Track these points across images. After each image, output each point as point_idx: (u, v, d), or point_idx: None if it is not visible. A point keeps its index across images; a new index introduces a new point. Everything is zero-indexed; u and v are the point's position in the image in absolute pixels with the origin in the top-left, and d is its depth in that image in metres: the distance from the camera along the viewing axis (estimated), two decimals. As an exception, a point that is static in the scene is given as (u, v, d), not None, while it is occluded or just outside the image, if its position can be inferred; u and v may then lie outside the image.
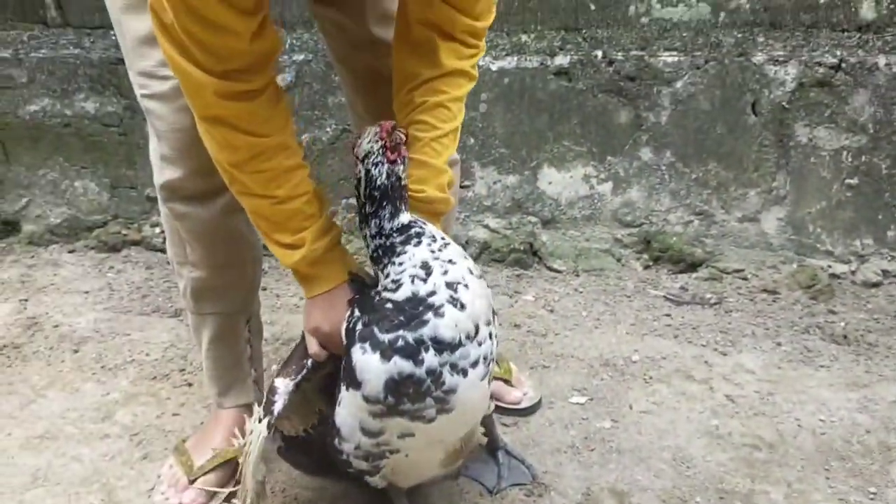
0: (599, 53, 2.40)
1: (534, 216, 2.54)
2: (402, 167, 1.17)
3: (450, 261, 1.16)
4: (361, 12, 1.44)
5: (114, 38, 2.55)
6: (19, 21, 2.65)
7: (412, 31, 1.27)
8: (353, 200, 2.59)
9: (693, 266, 2.47)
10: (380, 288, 1.18)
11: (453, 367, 1.13)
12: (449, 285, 1.14)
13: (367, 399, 1.15)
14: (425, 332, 1.12)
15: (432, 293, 1.13)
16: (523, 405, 1.78)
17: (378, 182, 1.16)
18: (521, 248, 2.53)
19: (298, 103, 2.52)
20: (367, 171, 1.16)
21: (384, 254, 1.18)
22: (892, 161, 2.33)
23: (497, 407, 1.74)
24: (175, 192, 1.41)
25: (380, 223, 1.18)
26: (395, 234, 1.18)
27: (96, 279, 2.51)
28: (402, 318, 1.13)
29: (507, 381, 1.79)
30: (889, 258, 2.39)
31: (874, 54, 2.29)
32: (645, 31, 2.40)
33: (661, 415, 1.79)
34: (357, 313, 1.19)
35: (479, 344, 1.16)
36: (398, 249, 1.17)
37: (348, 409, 1.20)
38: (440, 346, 1.12)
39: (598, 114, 2.44)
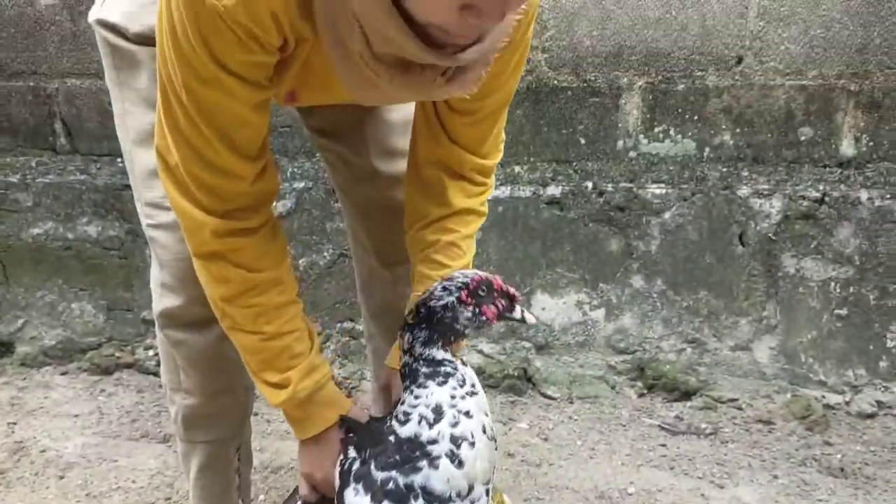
0: (590, 184, 2.48)
1: (527, 342, 2.55)
2: (467, 314, 1.15)
3: (466, 413, 1.12)
4: (364, 146, 1.48)
5: (120, 164, 2.64)
6: (30, 148, 2.75)
7: (422, 171, 1.31)
8: (347, 324, 2.62)
9: (687, 394, 2.46)
10: (395, 412, 1.17)
11: None
12: (453, 439, 1.10)
13: None
14: (416, 479, 1.09)
15: (433, 441, 1.10)
16: None
17: (434, 303, 1.15)
18: (515, 373, 2.53)
19: (297, 228, 2.57)
20: (434, 290, 1.16)
21: (408, 375, 1.16)
22: (880, 292, 2.37)
23: None
24: (172, 320, 1.41)
25: (412, 340, 1.16)
26: (422, 363, 1.16)
27: (87, 402, 2.49)
28: (398, 457, 1.11)
29: None
30: (882, 389, 2.38)
31: (856, 189, 2.37)
32: (633, 165, 2.49)
33: (658, 551, 1.75)
34: (352, 454, 1.17)
35: (472, 502, 1.13)
36: (420, 381, 1.15)
37: None
38: (429, 497, 1.09)
39: (589, 242, 2.49)
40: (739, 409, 2.40)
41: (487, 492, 1.15)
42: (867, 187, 2.37)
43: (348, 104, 1.32)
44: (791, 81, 2.38)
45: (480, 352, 2.55)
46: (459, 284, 1.14)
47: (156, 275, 1.42)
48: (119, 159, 2.66)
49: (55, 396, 2.53)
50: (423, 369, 1.15)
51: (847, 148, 2.40)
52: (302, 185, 2.57)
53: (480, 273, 1.16)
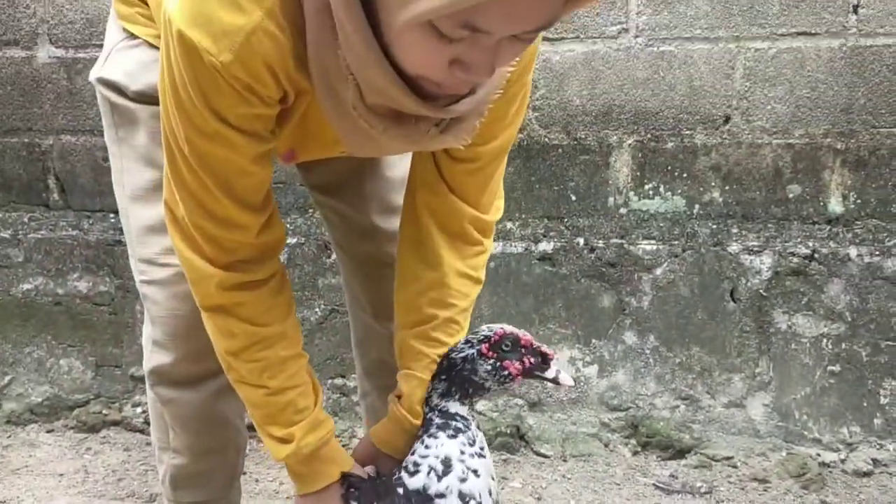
0: (581, 241, 2.49)
1: (520, 398, 2.53)
2: (486, 367, 1.15)
3: (474, 471, 1.12)
4: (364, 203, 1.48)
5: (112, 220, 2.65)
6: (23, 203, 2.75)
7: (416, 223, 1.27)
8: (338, 381, 2.60)
9: (682, 452, 2.43)
10: (405, 462, 1.17)
11: None
12: (462, 496, 1.10)
13: None
14: None
15: (441, 496, 1.10)
16: None
17: (454, 355, 1.16)
18: (508, 431, 2.50)
19: (289, 285, 2.57)
20: (459, 344, 1.17)
21: (423, 425, 1.17)
22: (872, 349, 2.37)
23: None
24: (163, 377, 1.40)
25: (431, 390, 1.17)
26: (437, 414, 1.16)
27: (72, 461, 2.44)
28: (404, 502, 1.11)
29: None
30: (878, 446, 2.37)
31: (845, 245, 2.39)
32: (623, 221, 2.51)
33: None
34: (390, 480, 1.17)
35: None
36: (432, 431, 1.15)
37: None
38: None
39: (581, 298, 2.49)
40: (734, 467, 2.38)
41: None
42: (856, 244, 2.39)
43: (347, 160, 1.32)
44: (778, 140, 2.42)
45: (473, 409, 2.52)
46: (482, 337, 1.16)
47: (147, 331, 1.41)
48: (112, 215, 2.67)
49: (40, 455, 2.48)
50: (437, 420, 1.16)
51: (835, 205, 2.43)
52: (294, 240, 2.57)
53: (508, 327, 1.17)
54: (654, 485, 2.30)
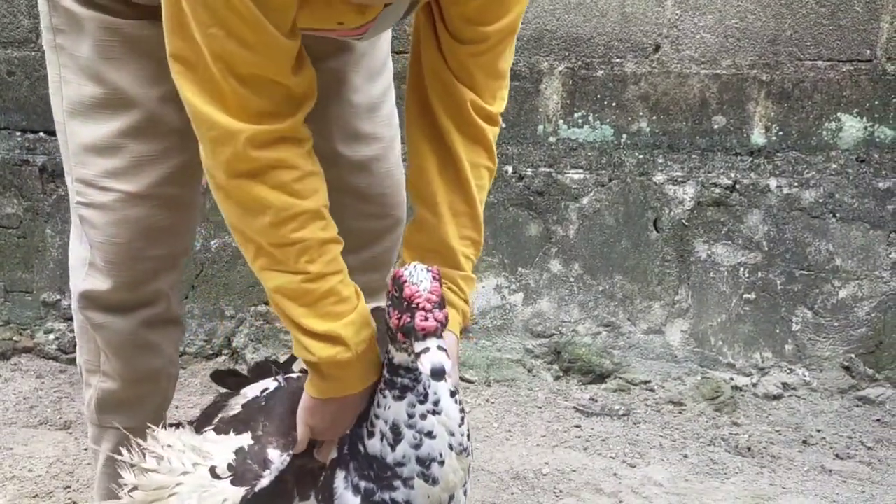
0: (510, 169, 2.48)
1: (446, 326, 2.53)
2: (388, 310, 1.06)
3: (428, 433, 1.05)
4: (326, 127, 1.37)
5: (19, 138, 2.51)
6: (-80, 119, 2.58)
7: (428, 106, 1.20)
8: (262, 308, 2.55)
9: (602, 377, 2.49)
10: (368, 415, 1.10)
11: None
12: (420, 461, 1.05)
13: None
14: (399, 496, 1.06)
15: (400, 464, 1.05)
16: None
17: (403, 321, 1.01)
18: (433, 358, 2.51)
19: (210, 208, 2.49)
20: (414, 309, 0.99)
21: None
22: (787, 277, 2.45)
23: None
24: (96, 302, 1.35)
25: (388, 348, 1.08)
26: (386, 364, 1.08)
27: (-19, 388, 2.36)
28: (371, 473, 1.07)
29: None
30: (788, 371, 2.47)
31: (766, 177, 2.44)
32: (552, 150, 2.50)
33: (570, 530, 1.76)
34: (355, 429, 1.11)
35: None
36: (381, 387, 1.08)
37: None
38: None
39: (508, 226, 2.49)
40: (651, 390, 2.45)
41: (466, 492, 1.13)
42: (776, 175, 2.44)
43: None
44: (706, 70, 2.43)
45: (398, 336, 2.52)
46: (426, 293, 0.99)
47: (81, 254, 1.35)
48: (18, 133, 2.53)
49: (-53, 383, 2.39)
50: (385, 374, 1.09)
51: (758, 137, 2.47)
52: (215, 163, 2.49)
53: (410, 270, 1.01)
54: (574, 408, 2.36)
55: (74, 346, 2.45)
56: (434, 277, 0.99)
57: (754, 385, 2.46)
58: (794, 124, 2.46)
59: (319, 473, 1.14)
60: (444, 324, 0.96)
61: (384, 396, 1.07)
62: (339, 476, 1.09)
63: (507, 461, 2.04)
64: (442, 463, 1.05)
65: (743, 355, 2.48)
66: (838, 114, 2.45)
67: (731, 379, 2.46)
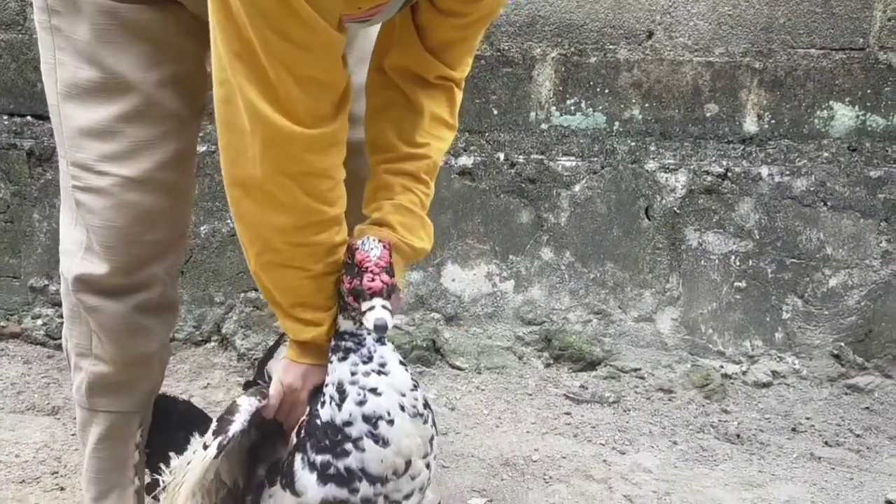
0: (502, 156, 2.47)
1: (437, 312, 2.53)
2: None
3: (372, 390, 1.07)
4: None
5: (6, 122, 2.49)
6: None
7: (388, 82, 1.27)
8: (252, 294, 2.54)
9: (592, 364, 2.49)
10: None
11: (387, 497, 1.09)
12: (366, 418, 1.07)
13: None
14: (352, 463, 1.07)
15: (348, 423, 1.07)
16: None
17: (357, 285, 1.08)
18: (424, 344, 2.51)
19: (199, 194, 2.47)
20: (363, 273, 1.07)
21: None
22: (777, 266, 2.45)
23: None
24: (90, 286, 1.34)
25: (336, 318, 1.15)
26: (334, 335, 1.13)
27: (-32, 374, 2.34)
28: (327, 441, 1.08)
29: None
30: (777, 359, 2.47)
31: (757, 165, 2.44)
32: (544, 137, 2.49)
33: (560, 516, 1.76)
34: (312, 409, 1.14)
35: (413, 478, 1.10)
36: (329, 356, 1.13)
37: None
38: (370, 478, 1.07)
39: (500, 213, 2.49)
40: (642, 378, 2.45)
41: (428, 465, 1.13)
42: (768, 164, 2.44)
43: None
44: (699, 58, 2.42)
45: (389, 323, 2.52)
46: (375, 262, 1.08)
47: (76, 237, 1.34)
48: (6, 117, 2.51)
49: (-67, 368, 2.37)
50: (332, 342, 1.13)
51: (750, 125, 2.46)
52: (204, 148, 2.46)
53: (361, 242, 1.08)
54: (564, 395, 2.36)
55: (62, 331, 2.46)
56: (385, 247, 1.07)
57: (744, 373, 2.46)
58: (787, 112, 2.45)
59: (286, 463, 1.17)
60: (389, 287, 1.03)
61: (331, 362, 1.12)
62: (298, 458, 1.12)
63: (497, 448, 2.04)
64: (391, 422, 1.07)
65: (733, 343, 2.48)
66: (830, 102, 2.45)
67: (721, 367, 2.47)
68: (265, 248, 1.12)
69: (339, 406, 1.07)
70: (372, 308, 1.03)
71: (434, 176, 1.30)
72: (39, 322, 2.53)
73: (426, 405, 1.13)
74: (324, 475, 1.08)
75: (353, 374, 1.08)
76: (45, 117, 2.44)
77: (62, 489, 1.79)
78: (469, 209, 2.49)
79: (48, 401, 2.20)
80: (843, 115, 2.45)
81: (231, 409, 1.17)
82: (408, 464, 1.09)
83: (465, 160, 2.47)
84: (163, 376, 1.55)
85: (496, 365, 2.50)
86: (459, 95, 1.31)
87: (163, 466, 1.28)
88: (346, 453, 1.07)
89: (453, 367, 2.50)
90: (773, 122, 2.46)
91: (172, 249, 1.40)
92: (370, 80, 1.31)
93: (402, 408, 1.08)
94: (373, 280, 1.03)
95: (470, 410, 2.25)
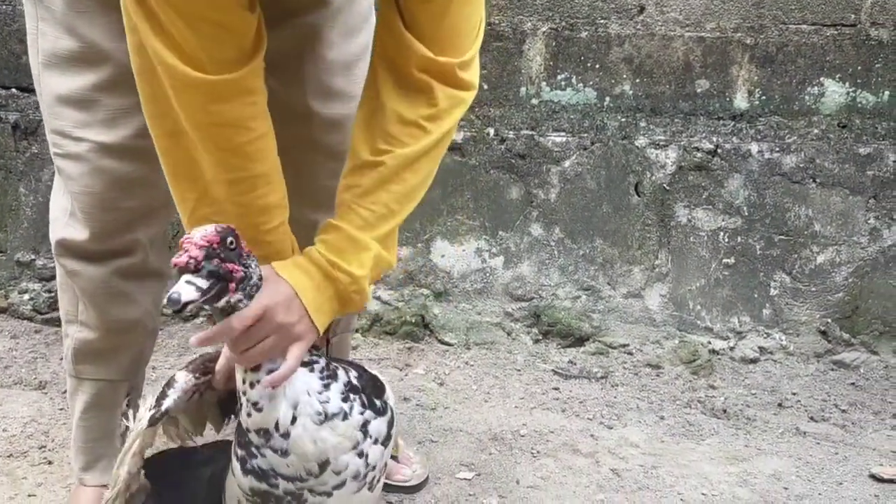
0: (492, 131, 2.45)
1: (426, 288, 2.53)
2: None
3: (254, 404, 1.02)
4: (300, 83, 1.37)
5: (-10, 94, 2.46)
6: None
7: (374, 68, 1.17)
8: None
9: (581, 340, 2.49)
10: None
11: (312, 491, 1.07)
12: (257, 430, 1.04)
13: (240, 488, 1.11)
14: (262, 463, 1.05)
15: (248, 430, 1.05)
16: (411, 483, 1.72)
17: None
18: (413, 320, 2.51)
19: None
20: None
21: None
22: (766, 242, 2.45)
23: (384, 484, 1.67)
24: (71, 250, 1.37)
25: None
26: None
27: (-46, 348, 2.33)
28: (241, 438, 1.07)
29: (394, 458, 1.72)
30: (765, 335, 2.48)
31: (747, 141, 2.43)
32: (535, 112, 2.47)
33: (547, 489, 1.76)
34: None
35: (338, 472, 1.07)
36: None
37: (231, 483, 1.14)
38: (285, 477, 1.05)
39: (490, 189, 2.47)
40: (630, 353, 2.46)
41: (362, 454, 1.09)
42: (758, 140, 2.43)
43: (288, 37, 1.26)
44: (690, 33, 2.41)
45: (378, 298, 2.51)
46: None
47: (62, 202, 1.36)
48: (-10, 89, 2.47)
49: (-81, 343, 2.35)
50: None
51: (741, 101, 2.45)
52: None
53: (197, 228, 0.97)
54: (552, 370, 2.37)
55: (49, 306, 2.45)
56: (217, 231, 0.95)
57: (731, 349, 2.47)
58: (777, 89, 2.44)
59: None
60: (198, 261, 0.92)
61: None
62: (234, 442, 1.11)
63: (485, 422, 2.04)
64: (285, 435, 1.03)
65: (721, 319, 2.49)
66: (821, 78, 2.43)
67: (709, 342, 2.47)
68: (199, 203, 1.08)
69: (238, 412, 1.06)
70: (175, 282, 0.92)
71: (393, 180, 1.15)
72: (26, 297, 2.51)
73: (352, 391, 1.07)
74: (244, 468, 1.08)
75: (242, 381, 1.04)
76: (30, 90, 2.42)
77: (50, 463, 1.78)
78: (459, 185, 2.48)
79: (35, 375, 2.19)
80: (834, 92, 2.44)
81: (169, 383, 1.15)
82: (323, 464, 1.06)
83: (455, 135, 2.45)
84: (150, 347, 1.56)
85: (485, 340, 2.50)
86: (449, 93, 1.17)
87: None
88: (255, 455, 1.06)
89: (442, 342, 2.50)
90: (763, 98, 2.45)
91: (154, 217, 1.39)
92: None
93: (300, 416, 1.03)
94: (179, 256, 0.92)
95: (459, 386, 2.25)
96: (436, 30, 1.12)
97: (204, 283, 0.92)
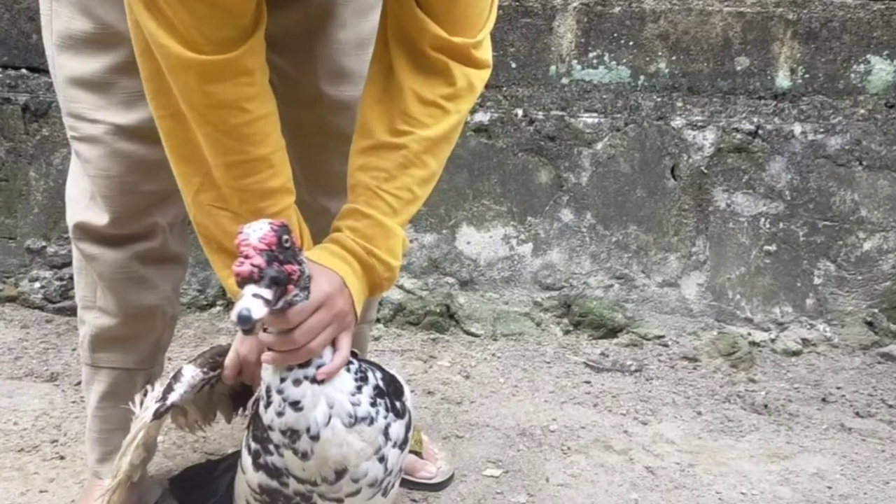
0: (520, 112, 2.37)
1: (451, 277, 2.46)
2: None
3: (294, 403, 0.99)
4: (311, 65, 1.35)
5: (0, 75, 2.40)
6: None
7: (386, 44, 1.16)
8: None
9: (614, 331, 2.43)
10: None
11: (322, 496, 1.04)
12: (283, 431, 1.00)
13: (248, 485, 1.08)
14: (277, 462, 1.01)
15: (270, 428, 1.01)
16: (436, 480, 1.67)
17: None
18: (438, 310, 2.45)
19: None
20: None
21: None
22: (810, 229, 2.36)
23: (407, 482, 1.64)
24: (88, 234, 1.36)
25: None
26: None
27: (-35, 338, 2.29)
28: (257, 432, 1.04)
29: (417, 454, 1.68)
30: (808, 326, 2.40)
31: (790, 122, 2.33)
32: (565, 92, 2.38)
33: (578, 488, 1.70)
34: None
35: (356, 480, 1.04)
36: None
37: (240, 480, 1.12)
38: (298, 479, 1.02)
39: (518, 172, 2.39)
40: (665, 345, 2.39)
41: (382, 458, 1.06)
42: (801, 121, 2.33)
43: (298, 17, 1.25)
44: (729, 7, 2.31)
45: (401, 287, 2.46)
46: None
47: (82, 185, 1.35)
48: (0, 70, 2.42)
49: (-70, 332, 2.32)
50: None
51: (783, 79, 2.35)
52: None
53: (247, 226, 0.93)
54: (584, 363, 2.30)
55: (61, 294, 2.42)
56: (273, 229, 0.90)
57: (773, 340, 2.39)
58: (821, 66, 2.33)
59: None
60: (262, 269, 0.86)
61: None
62: (246, 434, 1.09)
63: (513, 417, 1.98)
64: (315, 437, 0.99)
65: (761, 310, 2.40)
66: (867, 56, 2.33)
67: (749, 334, 2.39)
68: (202, 187, 1.09)
69: (266, 409, 1.02)
70: (242, 297, 0.85)
71: (416, 164, 1.15)
72: (37, 285, 2.47)
73: (378, 395, 1.05)
74: (256, 463, 1.05)
75: (282, 380, 0.99)
76: (40, 70, 2.38)
77: (62, 458, 1.74)
78: (485, 168, 2.40)
79: (47, 367, 2.15)
80: (881, 70, 2.33)
81: (176, 377, 1.15)
82: (341, 471, 1.03)
83: (482, 116, 2.37)
84: (170, 336, 1.54)
85: (513, 331, 2.43)
86: (466, 71, 1.16)
87: None
88: (270, 452, 1.03)
89: (468, 333, 2.44)
90: (806, 76, 2.34)
91: (173, 200, 1.36)
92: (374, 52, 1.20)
93: (333, 417, 1.00)
94: (241, 264, 0.86)
95: (485, 378, 2.19)
96: (450, 10, 1.11)
97: (269, 294, 0.85)
